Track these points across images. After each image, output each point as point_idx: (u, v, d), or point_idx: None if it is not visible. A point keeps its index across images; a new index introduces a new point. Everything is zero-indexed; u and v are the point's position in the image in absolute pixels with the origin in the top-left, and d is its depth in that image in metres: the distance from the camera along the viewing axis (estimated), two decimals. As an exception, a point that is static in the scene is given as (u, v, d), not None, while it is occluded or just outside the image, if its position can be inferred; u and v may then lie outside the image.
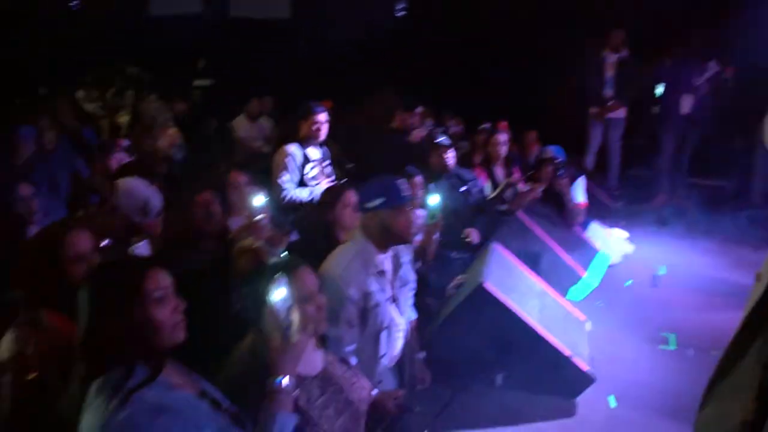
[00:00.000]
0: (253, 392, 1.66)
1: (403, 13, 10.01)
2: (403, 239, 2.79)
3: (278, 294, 1.68)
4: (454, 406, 3.38)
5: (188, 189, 3.43)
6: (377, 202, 2.67)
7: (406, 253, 2.96)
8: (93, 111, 7.05)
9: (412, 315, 3.06)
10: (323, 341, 2.08)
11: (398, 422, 2.26)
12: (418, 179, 4.18)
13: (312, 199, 4.29)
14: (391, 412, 2.29)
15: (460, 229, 4.36)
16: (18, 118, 3.90)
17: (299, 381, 1.80)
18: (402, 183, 2.75)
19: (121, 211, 3.15)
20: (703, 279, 5.19)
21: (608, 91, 7.18)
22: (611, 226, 5.95)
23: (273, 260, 2.15)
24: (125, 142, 5.22)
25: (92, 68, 7.45)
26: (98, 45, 8.01)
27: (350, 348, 2.61)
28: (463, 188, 4.64)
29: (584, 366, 3.47)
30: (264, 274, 1.85)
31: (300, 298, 1.86)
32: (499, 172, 5.25)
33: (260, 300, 1.75)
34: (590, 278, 4.82)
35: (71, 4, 9.28)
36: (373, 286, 2.70)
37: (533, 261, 4.34)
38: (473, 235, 4.44)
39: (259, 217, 3.05)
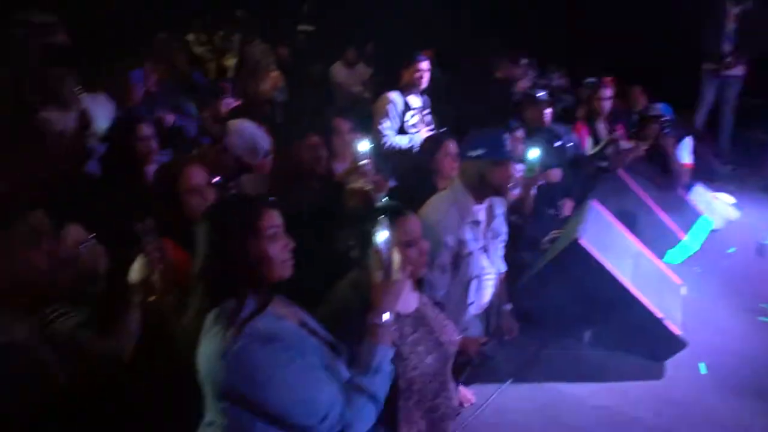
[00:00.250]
0: (353, 325, 1.75)
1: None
2: (499, 192, 2.83)
3: (383, 235, 1.77)
4: (539, 359, 3.44)
5: (292, 133, 3.57)
6: (479, 152, 2.72)
7: (500, 206, 3.00)
8: (201, 54, 7.33)
9: (502, 267, 3.10)
10: (419, 284, 2.17)
11: (481, 368, 2.32)
12: (519, 133, 4.15)
13: (411, 147, 4.37)
14: (472, 357, 2.38)
15: (558, 187, 4.31)
16: (132, 62, 4.10)
17: (395, 318, 1.90)
18: (505, 137, 2.77)
19: (231, 150, 3.33)
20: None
21: (727, 46, 6.60)
22: (717, 190, 5.68)
23: (381, 203, 2.24)
24: (229, 85, 5.41)
25: (201, 13, 7.69)
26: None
27: (440, 293, 2.71)
28: (558, 143, 4.56)
29: (676, 330, 3.41)
30: (372, 216, 1.94)
31: (404, 242, 1.96)
32: (602, 128, 5.08)
33: (367, 239, 1.84)
34: (690, 242, 4.66)
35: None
36: (468, 234, 2.78)
37: (631, 221, 4.25)
38: (566, 207, 4.40)
39: (363, 162, 3.14)
